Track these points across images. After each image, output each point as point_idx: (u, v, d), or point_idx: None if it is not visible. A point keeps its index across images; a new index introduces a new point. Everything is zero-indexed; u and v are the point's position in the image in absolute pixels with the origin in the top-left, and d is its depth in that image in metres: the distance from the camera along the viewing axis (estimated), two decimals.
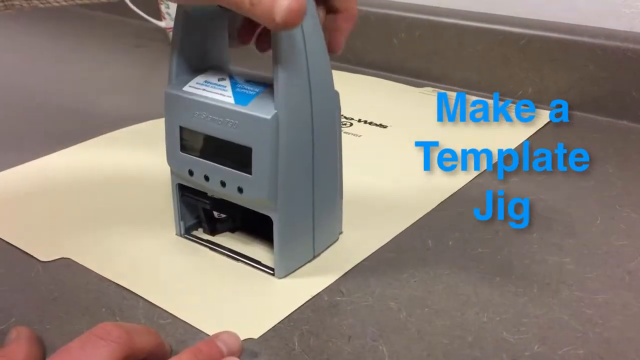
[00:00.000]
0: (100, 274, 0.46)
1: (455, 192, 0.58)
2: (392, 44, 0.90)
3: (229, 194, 0.45)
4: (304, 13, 0.36)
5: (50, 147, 0.67)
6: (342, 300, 0.44)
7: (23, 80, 0.90)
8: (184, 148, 0.47)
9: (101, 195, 0.58)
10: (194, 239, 0.51)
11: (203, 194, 0.49)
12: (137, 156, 0.66)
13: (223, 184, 0.45)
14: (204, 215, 0.51)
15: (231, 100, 0.44)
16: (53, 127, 0.74)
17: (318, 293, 0.44)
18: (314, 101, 0.44)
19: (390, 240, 0.51)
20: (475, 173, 0.62)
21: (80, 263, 0.48)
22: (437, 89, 0.85)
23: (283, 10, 0.35)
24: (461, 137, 0.71)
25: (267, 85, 0.44)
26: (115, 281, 0.45)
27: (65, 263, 0.48)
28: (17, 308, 0.43)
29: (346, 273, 0.47)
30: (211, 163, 0.45)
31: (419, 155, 0.66)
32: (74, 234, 0.52)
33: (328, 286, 0.45)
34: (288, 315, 0.42)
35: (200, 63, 0.47)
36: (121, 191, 0.59)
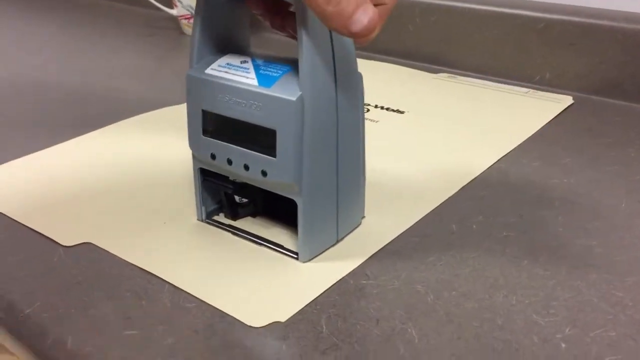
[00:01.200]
0: (124, 258, 0.46)
1: (476, 177, 0.58)
2: (407, 30, 0.89)
3: (253, 178, 0.45)
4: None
5: (67, 133, 0.67)
6: (368, 284, 0.43)
7: (36, 69, 0.90)
8: (206, 132, 0.46)
9: (121, 180, 0.58)
10: (215, 223, 0.51)
11: (225, 178, 0.48)
12: (157, 141, 0.65)
13: (246, 167, 0.45)
14: (226, 199, 0.50)
15: (255, 82, 0.43)
16: (69, 114, 0.73)
17: (343, 277, 0.44)
18: (338, 83, 0.43)
19: (414, 225, 0.50)
20: (496, 157, 0.61)
21: (103, 247, 0.47)
22: (452, 75, 0.84)
23: (363, 26, 0.36)
24: (480, 121, 0.70)
25: (290, 67, 0.43)
26: (140, 265, 0.45)
27: (88, 248, 0.47)
28: (41, 292, 0.43)
29: (371, 257, 0.46)
30: (234, 146, 0.45)
31: (437, 140, 0.66)
32: (96, 219, 0.51)
33: (353, 270, 0.45)
34: (314, 299, 0.42)
35: (222, 46, 0.47)
36: (141, 176, 0.58)
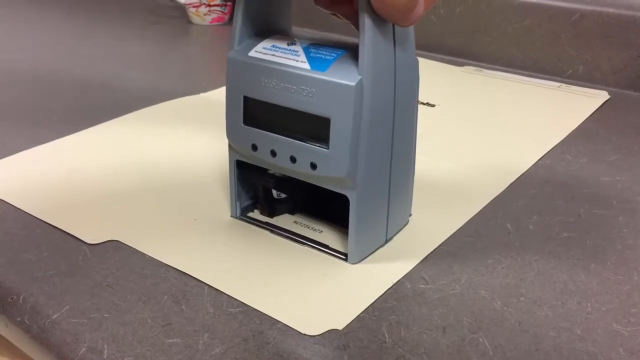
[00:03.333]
0: (156, 257, 0.42)
1: (523, 174, 0.54)
2: (430, 21, 0.85)
3: (299, 171, 0.41)
4: None
5: (78, 124, 0.62)
6: (427, 288, 0.40)
7: (40, 58, 0.85)
8: (247, 120, 0.42)
9: (144, 174, 0.53)
10: (251, 220, 0.47)
11: (263, 172, 0.45)
12: (176, 134, 0.61)
13: (293, 159, 0.41)
14: (263, 195, 0.46)
15: (306, 65, 0.39)
16: (78, 104, 0.69)
17: (399, 280, 0.40)
18: (397, 68, 0.39)
19: (465, 224, 0.47)
20: (540, 154, 0.58)
21: (131, 246, 0.43)
22: (479, 68, 0.81)
23: (413, 18, 0.36)
24: (514, 117, 0.67)
25: (344, 50, 0.40)
26: (174, 266, 0.41)
27: (115, 246, 0.43)
28: (69, 294, 0.38)
29: (425, 258, 0.43)
30: (280, 137, 0.41)
31: (475, 135, 0.62)
32: (121, 215, 0.47)
33: (408, 272, 0.41)
34: (371, 304, 0.38)
35: (264, 28, 0.43)
36: (165, 169, 0.54)
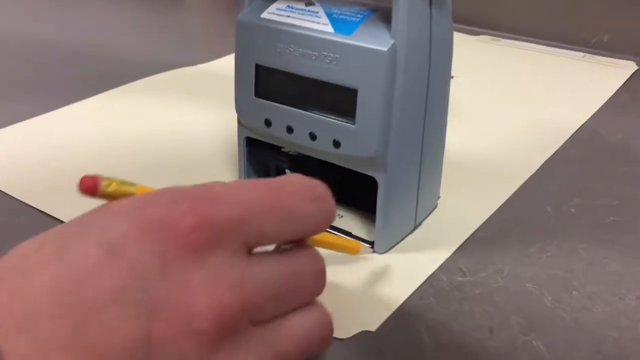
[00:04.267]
0: None
1: (557, 151, 0.50)
2: None
3: (320, 150, 0.36)
4: None
5: (69, 97, 0.57)
6: (465, 282, 0.35)
7: (23, 26, 0.79)
8: (260, 92, 0.37)
9: (141, 153, 0.48)
10: None
11: (277, 149, 0.40)
12: (177, 107, 0.56)
13: (313, 136, 0.36)
14: (276, 176, 0.41)
15: (329, 28, 0.34)
16: (70, 75, 0.64)
17: (433, 272, 0.36)
18: (433, 31, 0.34)
19: (501, 207, 0.42)
20: (572, 129, 0.53)
21: None
22: (495, 37, 0.76)
23: None
24: (539, 89, 0.62)
25: (370, 10, 0.35)
26: None
27: None
28: None
29: (460, 247, 0.38)
30: (298, 110, 0.36)
31: (498, 108, 0.57)
32: None
33: (443, 263, 0.37)
34: (405, 301, 0.34)
35: None
36: (163, 149, 0.49)
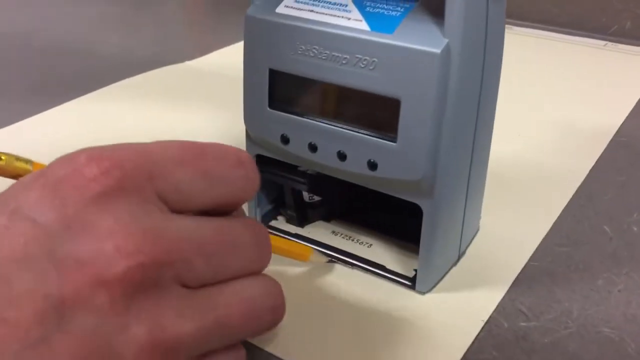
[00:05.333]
0: None
1: (601, 155, 0.44)
2: None
3: (351, 171, 0.30)
4: None
5: (42, 102, 0.50)
6: (530, 327, 0.29)
7: None
8: (275, 103, 0.31)
9: None
10: (276, 232, 0.36)
11: (292, 169, 0.33)
12: (167, 114, 0.49)
13: (342, 156, 0.30)
14: (292, 198, 0.35)
15: (363, 25, 0.28)
16: (39, 77, 0.56)
17: (490, 316, 0.30)
18: (489, 28, 0.28)
19: (552, 227, 0.36)
20: (612, 129, 0.48)
21: None
22: (508, 25, 0.70)
23: None
24: (563, 83, 0.56)
25: (412, 2, 0.28)
26: None
27: None
28: None
29: (515, 281, 0.32)
30: (323, 124, 0.30)
31: (523, 106, 0.51)
32: None
33: (499, 303, 0.31)
34: (462, 357, 0.28)
35: None
36: None
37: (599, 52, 0.63)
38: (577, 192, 0.40)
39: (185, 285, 0.22)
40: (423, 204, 0.29)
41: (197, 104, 0.51)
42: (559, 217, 0.37)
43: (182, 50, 0.62)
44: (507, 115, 0.50)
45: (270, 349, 0.28)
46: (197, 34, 0.70)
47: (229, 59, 0.60)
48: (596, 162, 0.43)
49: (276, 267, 0.31)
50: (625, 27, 0.66)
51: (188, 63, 0.59)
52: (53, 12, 0.74)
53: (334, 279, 0.32)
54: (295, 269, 0.33)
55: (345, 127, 0.29)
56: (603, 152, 0.44)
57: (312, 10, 0.29)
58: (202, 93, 0.53)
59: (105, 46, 0.63)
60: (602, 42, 0.65)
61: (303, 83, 0.30)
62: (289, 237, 0.35)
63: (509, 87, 0.56)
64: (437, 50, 0.26)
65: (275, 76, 0.30)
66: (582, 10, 0.67)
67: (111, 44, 0.64)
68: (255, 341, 0.28)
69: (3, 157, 0.27)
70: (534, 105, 0.52)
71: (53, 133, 0.46)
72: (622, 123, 0.49)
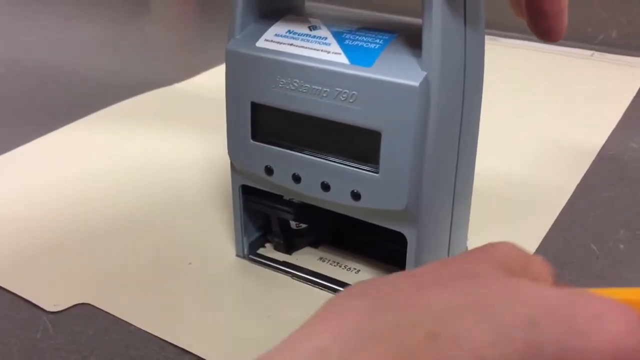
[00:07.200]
0: (143, 328, 0.31)
1: (587, 171, 0.44)
2: None
3: (335, 202, 0.30)
4: None
5: (27, 133, 0.50)
6: None
7: None
8: (258, 135, 0.31)
9: (117, 201, 0.42)
10: (263, 259, 0.36)
11: (277, 198, 0.34)
12: (157, 141, 0.49)
13: (325, 186, 0.30)
14: (279, 226, 0.35)
15: (343, 58, 0.28)
16: (23, 105, 0.56)
17: None
18: (467, 55, 0.29)
19: (540, 246, 0.37)
20: (599, 141, 0.48)
21: (107, 311, 0.32)
22: (493, 37, 0.70)
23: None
24: (550, 94, 0.57)
25: (390, 34, 0.29)
26: (170, 340, 0.30)
27: (85, 312, 0.32)
28: None
29: None
30: (306, 156, 0.30)
31: (508, 121, 0.52)
32: (90, 265, 0.36)
33: None
34: None
35: (269, 7, 0.32)
36: (145, 194, 0.42)
37: (586, 62, 0.63)
38: (563, 209, 0.40)
39: None
40: (407, 233, 0.30)
41: (185, 127, 0.51)
42: (545, 237, 0.37)
43: (170, 72, 0.62)
44: (491, 130, 0.51)
45: None
46: (184, 56, 0.70)
47: (217, 80, 0.60)
48: (583, 178, 0.43)
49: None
50: (611, 37, 0.66)
51: (177, 86, 0.59)
52: (36, 38, 0.74)
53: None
54: (298, 309, 0.33)
55: (328, 158, 0.29)
56: (590, 167, 0.45)
57: (292, 44, 0.29)
58: (190, 117, 0.53)
59: (92, 71, 0.63)
60: (589, 52, 0.65)
61: (285, 115, 0.30)
62: (279, 266, 0.35)
63: (494, 100, 0.57)
64: (416, 84, 0.26)
65: (257, 109, 0.31)
66: (569, 20, 0.67)
67: (98, 69, 0.64)
68: None
69: None
70: (518, 118, 0.52)
71: (37, 167, 0.46)
72: (609, 136, 0.49)
